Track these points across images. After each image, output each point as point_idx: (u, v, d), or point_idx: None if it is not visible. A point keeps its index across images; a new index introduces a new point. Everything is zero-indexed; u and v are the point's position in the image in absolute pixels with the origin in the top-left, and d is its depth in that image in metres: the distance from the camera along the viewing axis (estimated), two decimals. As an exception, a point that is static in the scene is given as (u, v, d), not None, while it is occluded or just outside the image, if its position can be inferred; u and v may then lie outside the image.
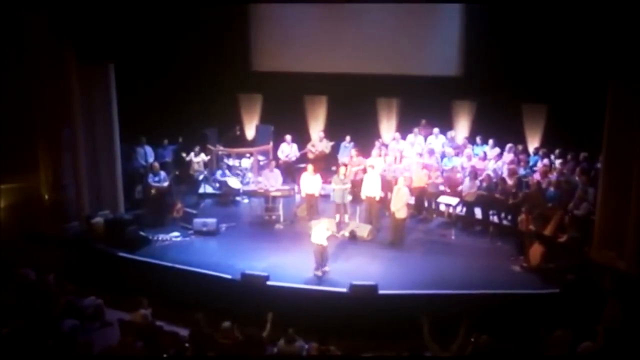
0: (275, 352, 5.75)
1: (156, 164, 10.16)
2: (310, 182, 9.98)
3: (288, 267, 8.36)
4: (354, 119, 11.87)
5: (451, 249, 9.13)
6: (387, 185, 10.07)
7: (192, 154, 11.45)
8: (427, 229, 10.03)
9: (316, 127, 12.63)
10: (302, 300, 7.30)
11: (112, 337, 6.26)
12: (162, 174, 10.03)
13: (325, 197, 10.41)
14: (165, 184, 9.93)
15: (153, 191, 9.77)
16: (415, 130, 11.34)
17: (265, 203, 10.36)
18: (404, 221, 9.25)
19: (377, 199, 9.66)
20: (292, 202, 10.66)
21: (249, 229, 10.03)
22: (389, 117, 12.26)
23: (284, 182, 10.75)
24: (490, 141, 10.64)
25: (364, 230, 9.56)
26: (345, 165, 10.62)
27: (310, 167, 10.04)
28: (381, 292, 7.22)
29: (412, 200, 10.18)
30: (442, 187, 10.22)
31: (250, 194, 10.80)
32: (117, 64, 9.15)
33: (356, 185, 10.34)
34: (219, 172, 11.41)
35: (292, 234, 9.81)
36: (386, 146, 11.36)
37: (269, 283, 7.46)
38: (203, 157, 11.55)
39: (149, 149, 11.09)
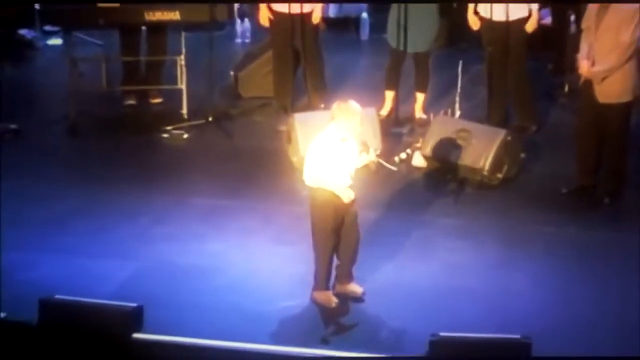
0: None
1: None
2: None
3: (219, 277, 7.94)
4: None
5: None
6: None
7: None
8: None
9: None
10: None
11: None
12: None
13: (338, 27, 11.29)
14: None
15: None
16: None
17: (124, 52, 10.43)
18: (626, 118, 8.89)
19: (531, 27, 9.70)
20: (221, 46, 11.08)
21: (67, 146, 10.02)
22: None
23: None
24: None
25: (481, 155, 9.19)
26: None
27: None
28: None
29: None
30: None
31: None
32: None
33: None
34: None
35: (221, 163, 9.71)
36: None
37: (138, 337, 6.73)
38: None
39: None
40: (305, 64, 9.97)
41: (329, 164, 7.28)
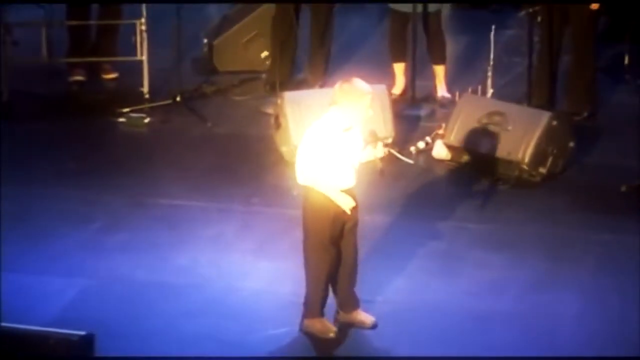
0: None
1: None
2: None
3: (187, 297, 7.83)
4: None
5: None
6: None
7: None
8: None
9: None
10: None
11: None
12: None
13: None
14: None
15: None
16: None
17: (70, 16, 10.51)
18: None
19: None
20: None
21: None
22: None
23: None
24: None
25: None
26: None
27: None
28: None
29: None
30: None
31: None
32: None
33: None
34: None
35: (192, 154, 9.69)
36: None
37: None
38: None
39: None
40: (313, 30, 9.97)
41: (328, 160, 7.11)
